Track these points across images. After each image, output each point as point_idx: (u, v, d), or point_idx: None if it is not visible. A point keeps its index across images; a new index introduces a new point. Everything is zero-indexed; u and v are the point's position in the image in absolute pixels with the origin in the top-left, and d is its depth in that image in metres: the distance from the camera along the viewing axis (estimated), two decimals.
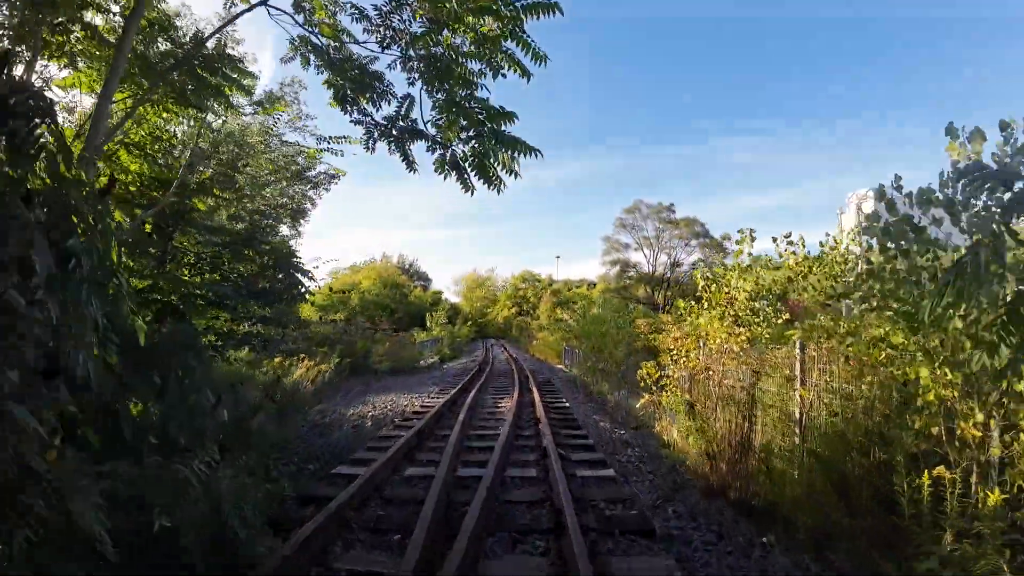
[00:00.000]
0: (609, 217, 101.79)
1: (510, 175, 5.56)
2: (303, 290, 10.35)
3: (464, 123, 5.63)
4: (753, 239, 8.14)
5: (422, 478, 5.19)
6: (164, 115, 9.16)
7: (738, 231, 8.42)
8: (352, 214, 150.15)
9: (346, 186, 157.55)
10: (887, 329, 3.80)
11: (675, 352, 8.50)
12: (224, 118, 11.47)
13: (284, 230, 34.11)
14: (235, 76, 7.84)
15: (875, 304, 3.87)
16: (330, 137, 8.39)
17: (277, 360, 11.45)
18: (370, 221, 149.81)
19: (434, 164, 5.95)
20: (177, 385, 2.70)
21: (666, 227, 52.74)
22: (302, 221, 37.32)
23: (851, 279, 5.37)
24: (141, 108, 7.68)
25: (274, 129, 28.13)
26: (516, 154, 5.38)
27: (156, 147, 10.19)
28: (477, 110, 5.53)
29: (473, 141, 5.67)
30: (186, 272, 10.22)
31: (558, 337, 30.36)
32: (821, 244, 7.51)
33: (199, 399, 2.85)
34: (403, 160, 6.51)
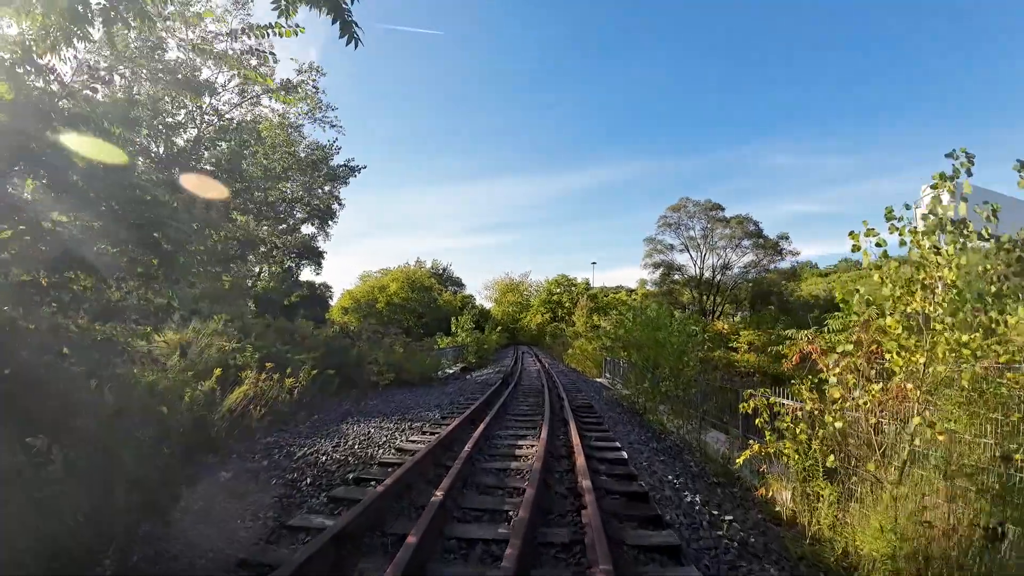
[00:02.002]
0: (644, 224, 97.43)
1: None
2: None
3: None
4: (970, 169, 4.45)
5: None
6: None
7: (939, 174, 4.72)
8: (385, 220, 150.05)
9: (379, 192, 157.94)
10: None
11: (824, 376, 4.96)
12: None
13: (308, 229, 31.73)
14: None
15: None
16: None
17: (217, 373, 8.43)
18: (403, 228, 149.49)
19: None
20: None
21: (715, 226, 48.19)
22: (330, 222, 35.11)
23: None
24: None
25: (288, 119, 25.44)
26: None
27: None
28: None
29: None
30: None
31: (596, 346, 26.72)
32: None
33: None
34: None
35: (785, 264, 46.36)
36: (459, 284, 79.35)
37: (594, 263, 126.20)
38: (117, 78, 18.29)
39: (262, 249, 30.89)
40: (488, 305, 73.46)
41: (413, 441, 7.12)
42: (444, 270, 79.28)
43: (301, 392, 10.56)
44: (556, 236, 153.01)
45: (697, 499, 5.66)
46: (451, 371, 22.60)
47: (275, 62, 21.89)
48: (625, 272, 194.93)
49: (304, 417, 10.18)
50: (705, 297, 47.54)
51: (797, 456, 5.43)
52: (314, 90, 24.41)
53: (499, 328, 49.80)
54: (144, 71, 18.58)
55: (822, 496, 4.99)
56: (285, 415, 9.85)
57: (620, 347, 15.03)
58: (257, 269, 38.09)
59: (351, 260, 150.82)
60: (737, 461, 6.33)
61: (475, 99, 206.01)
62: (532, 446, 6.81)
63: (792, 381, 5.28)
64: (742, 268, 47.41)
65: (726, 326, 31.48)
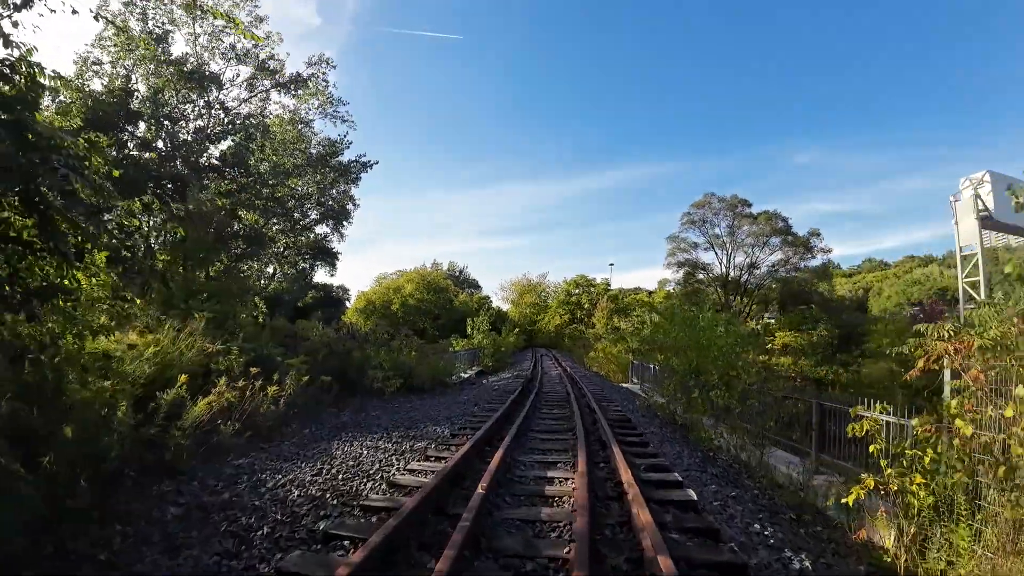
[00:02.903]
0: (661, 226, 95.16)
1: None
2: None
3: None
4: None
5: None
6: None
7: None
8: (404, 224, 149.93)
9: (397, 196, 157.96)
10: None
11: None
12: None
13: (322, 229, 30.60)
14: None
15: None
16: None
17: (182, 380, 7.02)
18: (422, 232, 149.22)
19: None
20: None
21: (741, 222, 45.89)
22: (344, 223, 33.92)
23: None
24: None
25: (299, 114, 24.24)
26: None
27: None
28: None
29: None
30: None
31: (622, 348, 24.96)
32: None
33: None
34: None
35: (816, 262, 43.92)
36: (475, 286, 77.93)
37: (612, 264, 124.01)
38: (118, 69, 17.37)
39: (272, 249, 29.71)
40: (505, 307, 71.94)
41: (412, 471, 5.55)
42: (461, 272, 78.00)
43: (291, 401, 9.11)
44: (572, 239, 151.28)
45: (808, 565, 3.98)
46: (466, 375, 21.07)
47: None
48: (643, 274, 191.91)
49: (293, 431, 8.74)
50: (732, 297, 45.29)
51: (923, 493, 4.01)
52: (324, 84, 23.35)
53: (516, 330, 48.24)
54: (150, 64, 17.72)
55: (957, 545, 3.56)
56: (270, 429, 8.41)
57: (653, 350, 13.33)
58: (271, 270, 37.21)
59: (371, 263, 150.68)
60: (846, 500, 4.68)
61: (492, 103, 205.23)
62: (568, 480, 5.19)
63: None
64: (770, 267, 45.08)
65: (759, 327, 29.42)
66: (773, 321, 36.04)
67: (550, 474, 5.42)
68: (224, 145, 21.01)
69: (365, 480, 5.42)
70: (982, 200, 34.30)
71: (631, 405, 12.86)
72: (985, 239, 35.41)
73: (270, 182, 23.43)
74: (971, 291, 33.94)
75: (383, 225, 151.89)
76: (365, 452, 6.71)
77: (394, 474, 5.52)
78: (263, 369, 9.99)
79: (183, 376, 7.31)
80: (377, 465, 5.96)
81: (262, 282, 33.32)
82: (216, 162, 20.62)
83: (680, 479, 5.39)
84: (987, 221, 34.71)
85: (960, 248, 35.23)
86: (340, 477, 5.61)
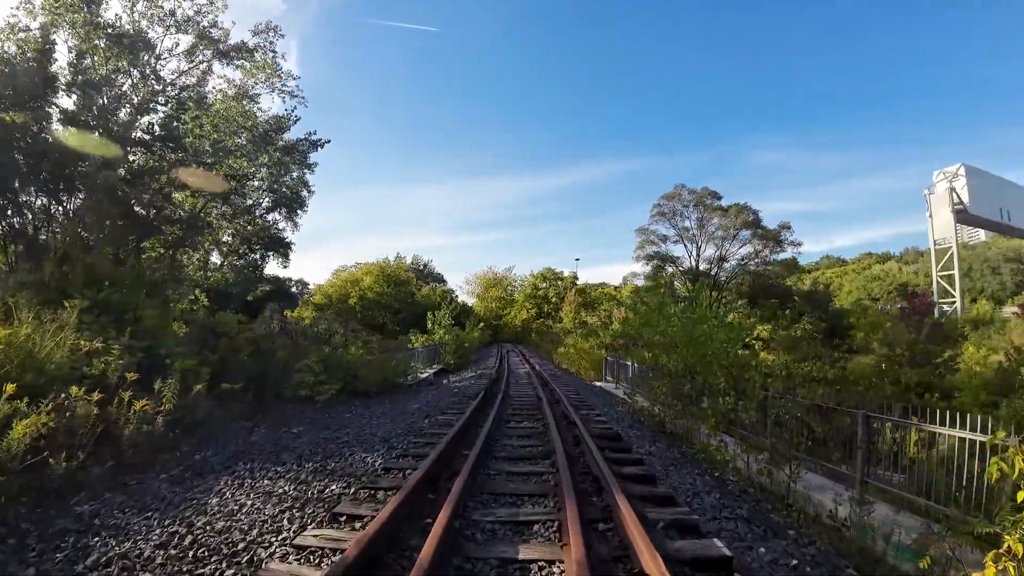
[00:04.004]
0: (625, 223, 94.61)
1: None
2: None
3: None
4: None
5: None
6: None
7: None
8: (370, 220, 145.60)
9: (364, 191, 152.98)
10: None
11: None
12: None
13: (274, 217, 27.78)
14: None
15: None
16: None
17: (9, 390, 4.74)
18: (387, 227, 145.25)
19: None
20: None
21: (711, 215, 44.98)
22: (299, 211, 31.15)
23: None
24: None
25: (245, 88, 21.59)
26: None
27: None
28: None
29: None
30: None
31: (595, 343, 23.21)
32: None
33: None
34: None
35: (786, 256, 43.40)
36: (441, 280, 75.04)
37: (577, 259, 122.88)
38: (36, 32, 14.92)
39: (211, 236, 26.70)
40: (471, 301, 69.56)
41: (300, 552, 3.42)
42: (425, 266, 74.86)
43: (177, 417, 6.87)
44: (538, 236, 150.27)
45: None
46: (424, 375, 18.85)
47: None
48: (607, 270, 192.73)
49: (181, 456, 6.54)
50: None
51: None
52: (272, 54, 20.75)
53: (480, 325, 46.08)
54: (80, 30, 15.37)
55: None
56: (147, 454, 6.19)
57: (637, 346, 11.52)
58: (217, 260, 33.94)
59: (340, 259, 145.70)
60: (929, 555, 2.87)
61: (459, 98, 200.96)
62: (554, 565, 3.19)
63: None
64: (739, 260, 44.33)
65: (736, 319, 28.20)
66: (744, 314, 35.08)
67: (524, 552, 3.39)
68: (156, 118, 18.42)
69: (223, 567, 3.27)
70: (957, 194, 33.92)
71: (613, 412, 10.99)
72: (957, 234, 34.63)
73: (207, 160, 20.51)
74: (946, 285, 33.70)
75: (351, 219, 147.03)
76: (251, 502, 4.53)
77: (273, 556, 3.38)
78: (151, 374, 7.70)
79: (9, 386, 5.08)
80: (255, 532, 3.81)
81: (203, 273, 30.24)
82: (145, 135, 17.93)
83: (727, 552, 3.45)
84: (962, 215, 34.35)
85: (935, 242, 34.83)
86: (192, 555, 3.46)
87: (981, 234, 74.16)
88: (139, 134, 17.64)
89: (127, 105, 17.54)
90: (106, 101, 16.32)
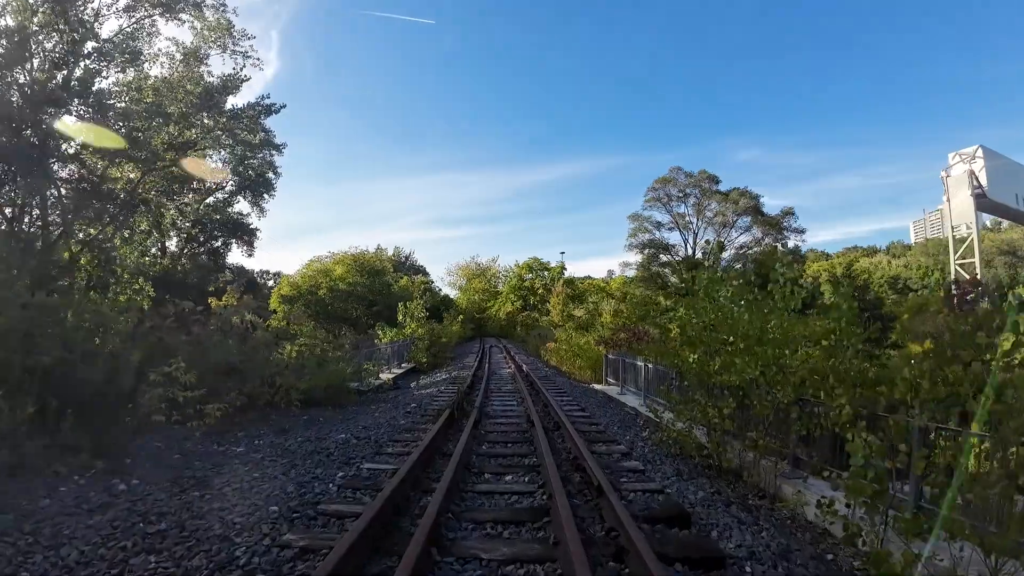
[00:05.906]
0: (610, 218, 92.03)
1: None
2: None
3: None
4: None
5: None
6: None
7: None
8: (348, 215, 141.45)
9: (343, 185, 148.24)
10: None
11: None
12: None
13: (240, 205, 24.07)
14: None
15: None
16: None
17: None
18: (367, 221, 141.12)
19: None
20: None
21: (709, 200, 42.06)
22: (265, 195, 27.38)
23: None
24: None
25: (191, 47, 18.22)
26: None
27: None
28: None
29: None
30: None
31: (592, 338, 20.04)
32: None
33: None
34: None
35: (790, 244, 40.77)
36: (424, 273, 71.19)
37: (563, 253, 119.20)
38: None
39: (147, 214, 22.49)
40: (454, 294, 65.99)
41: None
42: (407, 258, 70.89)
43: None
44: (522, 230, 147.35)
45: None
46: (387, 377, 15.51)
47: None
48: (591, 264, 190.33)
49: None
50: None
51: None
52: (223, 5, 17.11)
53: (461, 318, 42.67)
54: None
55: None
56: None
57: (673, 344, 8.34)
58: (178, 249, 30.07)
59: (318, 253, 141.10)
60: None
61: (438, 92, 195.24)
62: None
63: None
64: (738, 248, 41.53)
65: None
66: None
67: None
68: (77, 74, 14.82)
69: None
70: (976, 177, 31.15)
71: (631, 434, 7.79)
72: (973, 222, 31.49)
73: (138, 124, 16.72)
74: (963, 272, 30.91)
75: (329, 213, 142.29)
76: None
77: None
78: None
79: None
80: None
81: (146, 259, 26.07)
82: (65, 95, 14.28)
83: None
84: (981, 200, 31.61)
85: (952, 227, 32.09)
86: None
87: (963, 227, 72.76)
88: (63, 94, 14.11)
89: (39, 58, 14.06)
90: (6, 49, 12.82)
